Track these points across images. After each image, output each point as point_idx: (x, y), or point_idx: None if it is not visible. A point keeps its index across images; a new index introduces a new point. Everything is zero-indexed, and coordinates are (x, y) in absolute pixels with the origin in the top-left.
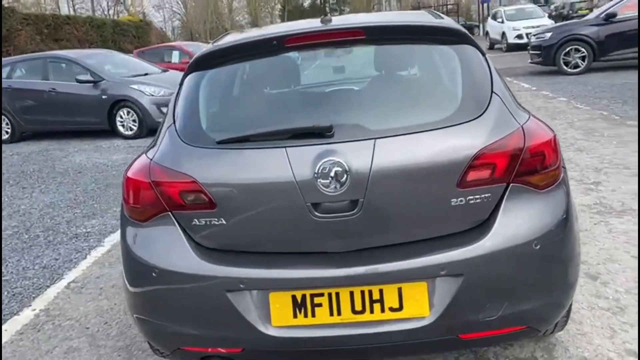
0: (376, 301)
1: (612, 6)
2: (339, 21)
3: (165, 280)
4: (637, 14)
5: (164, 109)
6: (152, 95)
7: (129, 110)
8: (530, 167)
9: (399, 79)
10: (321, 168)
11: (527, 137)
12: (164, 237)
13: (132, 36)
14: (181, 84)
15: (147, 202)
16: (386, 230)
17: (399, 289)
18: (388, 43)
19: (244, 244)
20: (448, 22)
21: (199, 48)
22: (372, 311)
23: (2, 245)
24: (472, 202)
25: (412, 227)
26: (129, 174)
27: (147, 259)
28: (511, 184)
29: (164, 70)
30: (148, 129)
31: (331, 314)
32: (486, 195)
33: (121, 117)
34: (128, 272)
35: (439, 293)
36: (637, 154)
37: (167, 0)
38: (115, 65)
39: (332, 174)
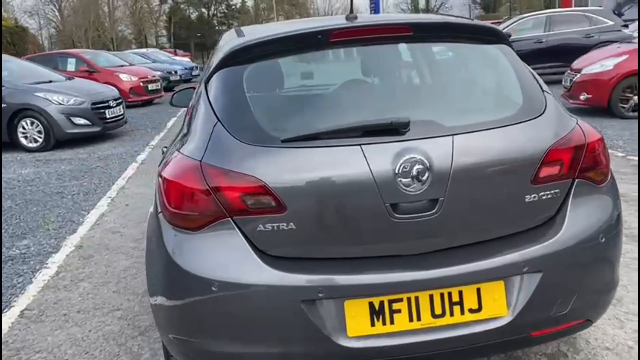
0: (456, 303)
1: None
2: (365, 19)
3: (229, 295)
4: None
5: (77, 120)
6: (61, 104)
7: (33, 120)
8: (591, 162)
9: (455, 76)
10: (402, 166)
11: (585, 134)
12: (224, 246)
13: (7, 42)
14: (209, 80)
15: (202, 207)
16: (464, 229)
17: (478, 290)
18: (434, 40)
19: (315, 250)
20: (483, 23)
21: (99, 55)
22: (452, 314)
23: None
24: (544, 198)
25: (488, 225)
26: (175, 178)
27: (204, 272)
28: (576, 180)
29: (69, 78)
30: (56, 140)
31: (410, 319)
32: (556, 191)
33: (24, 127)
34: (172, 288)
35: (516, 291)
36: None
37: (41, 6)
38: (13, 72)
39: (413, 172)
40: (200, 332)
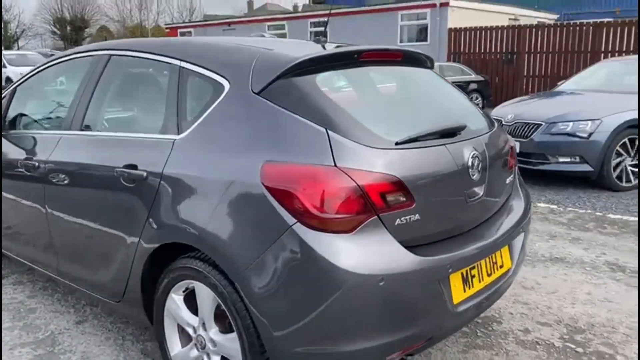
0: (494, 263)
1: None
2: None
3: (392, 287)
4: None
5: None
6: None
7: None
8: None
9: (440, 92)
10: (469, 160)
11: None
12: (378, 242)
13: None
14: (265, 89)
15: (356, 209)
16: (492, 204)
17: (501, 251)
18: (415, 65)
19: (432, 235)
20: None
21: None
22: (494, 271)
23: None
24: (511, 178)
25: (500, 200)
26: (324, 184)
27: (370, 270)
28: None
29: None
30: None
31: (480, 280)
32: (513, 173)
33: None
34: (338, 292)
35: (515, 249)
36: None
37: None
38: None
39: (475, 163)
40: (367, 330)
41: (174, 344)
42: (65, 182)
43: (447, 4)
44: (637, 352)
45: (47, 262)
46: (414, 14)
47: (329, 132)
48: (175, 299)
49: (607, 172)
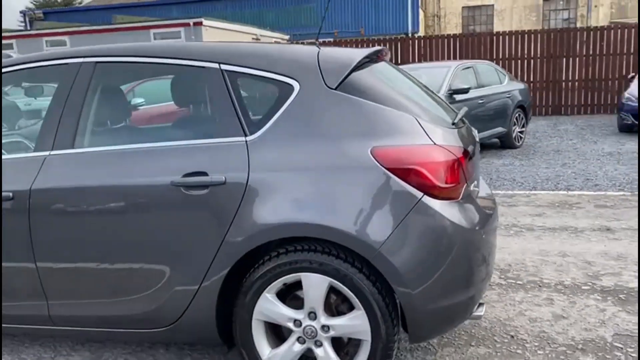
0: None
1: None
2: None
3: (487, 238)
4: None
5: None
6: None
7: None
8: None
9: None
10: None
11: None
12: (472, 203)
13: None
14: (341, 83)
15: (458, 178)
16: (476, 177)
17: None
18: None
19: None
20: None
21: None
22: None
23: None
24: None
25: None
26: (444, 160)
27: (478, 226)
28: None
29: None
30: None
31: None
32: None
33: None
34: (459, 244)
35: None
36: None
37: None
38: None
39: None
40: (474, 278)
41: (264, 348)
42: (72, 209)
43: (200, 24)
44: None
45: (40, 310)
46: (168, 33)
47: (418, 119)
48: (270, 298)
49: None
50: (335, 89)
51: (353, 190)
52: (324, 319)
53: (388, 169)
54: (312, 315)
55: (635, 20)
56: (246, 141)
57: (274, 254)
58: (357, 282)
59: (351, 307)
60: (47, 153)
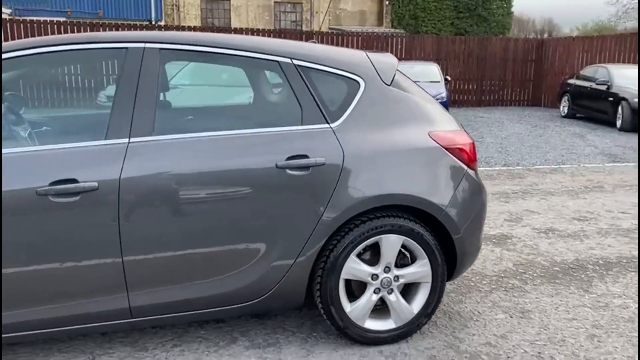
0: None
1: None
2: None
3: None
4: None
5: None
6: None
7: None
8: None
9: None
10: None
11: None
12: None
13: None
14: (392, 81)
15: (476, 157)
16: None
17: None
18: None
19: None
20: None
21: None
22: None
23: None
24: None
25: None
26: (470, 141)
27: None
28: None
29: None
30: None
31: None
32: None
33: None
34: (484, 198)
35: None
36: None
37: None
38: None
39: None
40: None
41: (345, 303)
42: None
43: None
44: None
45: (118, 304)
46: None
47: (445, 105)
48: (355, 259)
49: None
50: (390, 85)
51: (421, 165)
52: (395, 271)
53: (445, 148)
54: (387, 269)
55: (350, 28)
56: (332, 128)
57: (358, 221)
58: (426, 237)
59: (412, 260)
60: (124, 140)
